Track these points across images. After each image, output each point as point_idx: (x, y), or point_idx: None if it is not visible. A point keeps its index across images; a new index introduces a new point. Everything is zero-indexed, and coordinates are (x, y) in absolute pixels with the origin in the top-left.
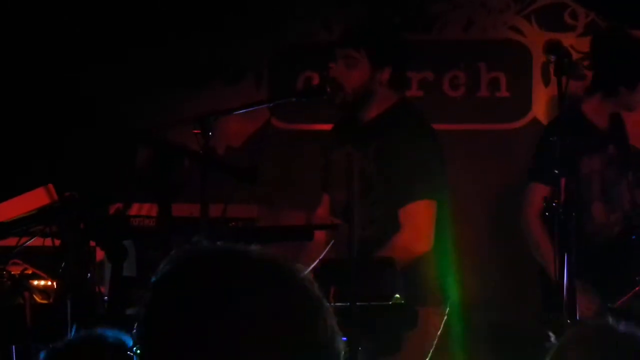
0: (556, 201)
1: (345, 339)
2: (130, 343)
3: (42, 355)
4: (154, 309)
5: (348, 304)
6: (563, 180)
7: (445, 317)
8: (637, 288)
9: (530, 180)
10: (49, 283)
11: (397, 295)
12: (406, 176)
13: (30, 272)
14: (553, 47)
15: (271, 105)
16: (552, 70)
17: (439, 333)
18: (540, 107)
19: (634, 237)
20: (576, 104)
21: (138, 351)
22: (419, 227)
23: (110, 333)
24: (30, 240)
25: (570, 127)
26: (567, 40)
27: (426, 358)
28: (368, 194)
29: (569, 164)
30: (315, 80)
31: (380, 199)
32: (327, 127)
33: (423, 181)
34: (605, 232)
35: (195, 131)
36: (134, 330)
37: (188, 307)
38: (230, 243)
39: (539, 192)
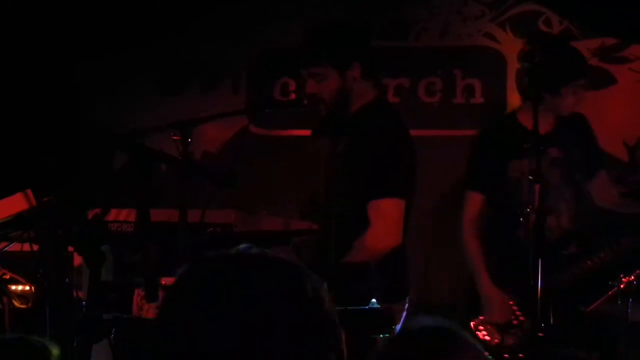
0: (530, 207)
1: None
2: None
3: None
4: (167, 309)
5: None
6: (537, 187)
7: (405, 313)
8: (609, 292)
9: (464, 189)
10: (27, 288)
11: (374, 300)
12: (375, 172)
13: (8, 277)
14: (537, 37)
15: (250, 114)
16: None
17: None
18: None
19: (564, 251)
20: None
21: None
22: (389, 223)
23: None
24: (8, 245)
25: (505, 135)
26: None
27: None
28: (334, 187)
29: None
30: (292, 86)
31: (345, 193)
32: (304, 132)
33: (394, 179)
34: None
35: (175, 137)
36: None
37: (200, 308)
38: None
39: (473, 201)
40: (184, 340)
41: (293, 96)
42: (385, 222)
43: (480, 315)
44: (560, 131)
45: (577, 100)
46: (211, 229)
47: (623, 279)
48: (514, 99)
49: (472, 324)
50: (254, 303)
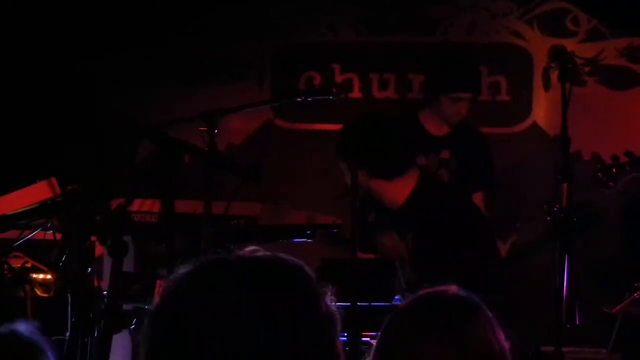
0: (557, 205)
1: (344, 338)
2: (43, 344)
3: None
4: (163, 308)
5: (349, 303)
6: (565, 186)
7: None
8: (635, 294)
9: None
10: (49, 277)
11: (398, 297)
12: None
13: (30, 265)
14: (557, 53)
15: (277, 104)
16: (553, 75)
17: None
18: (540, 112)
19: None
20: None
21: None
22: None
23: (24, 330)
24: (32, 233)
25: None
26: (569, 46)
27: None
28: None
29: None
30: (317, 80)
31: None
32: (329, 126)
33: None
34: None
35: (201, 128)
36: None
37: (199, 310)
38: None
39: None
40: (180, 340)
41: (317, 81)
42: None
43: None
44: (455, 138)
45: (457, 110)
46: (235, 221)
47: None
48: (540, 97)
49: None
50: (253, 304)
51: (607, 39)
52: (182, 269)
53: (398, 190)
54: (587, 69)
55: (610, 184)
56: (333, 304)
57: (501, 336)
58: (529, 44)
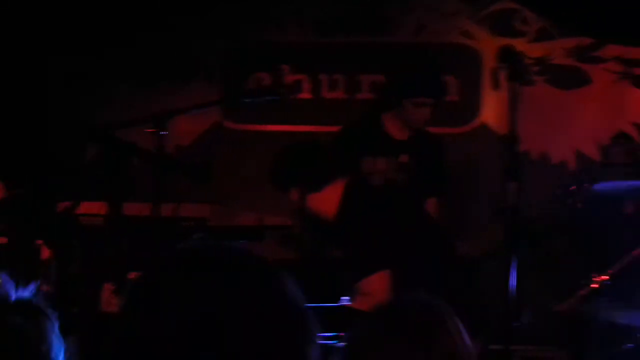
0: (505, 205)
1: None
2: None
3: None
4: (131, 304)
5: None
6: (513, 185)
7: None
8: (582, 292)
9: None
10: None
11: (346, 297)
12: None
13: None
14: (506, 53)
15: (225, 105)
16: (502, 75)
17: None
18: (489, 112)
19: None
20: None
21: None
22: None
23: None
24: None
25: (366, 133)
26: (518, 46)
27: None
28: None
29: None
30: (266, 80)
31: None
32: (279, 127)
33: None
34: None
35: (149, 130)
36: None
37: (171, 298)
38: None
39: None
40: (151, 331)
41: (268, 82)
42: None
43: None
44: (414, 143)
45: (420, 115)
46: (184, 223)
47: (596, 279)
48: (489, 97)
49: None
50: (225, 294)
51: (556, 39)
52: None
53: (329, 200)
54: (536, 68)
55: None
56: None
57: (468, 341)
58: (479, 44)
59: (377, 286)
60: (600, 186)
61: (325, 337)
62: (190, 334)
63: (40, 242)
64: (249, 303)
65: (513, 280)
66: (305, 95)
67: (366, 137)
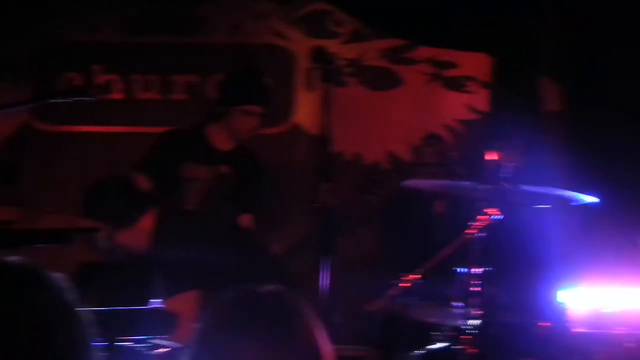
0: (318, 205)
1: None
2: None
3: None
4: None
5: (109, 308)
6: (325, 186)
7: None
8: (393, 291)
9: (136, 171)
10: None
11: (155, 300)
12: None
13: None
14: (319, 54)
15: (34, 104)
16: (316, 76)
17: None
18: (303, 113)
19: None
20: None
21: None
22: None
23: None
24: None
25: (189, 138)
26: (332, 47)
27: None
28: None
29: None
30: (77, 80)
31: None
32: (92, 128)
33: None
34: None
35: None
36: None
37: None
38: None
39: (141, 184)
40: None
41: (78, 82)
42: None
43: None
44: (237, 155)
45: (248, 124)
46: None
47: (406, 278)
48: (302, 98)
49: None
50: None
51: (369, 41)
52: None
53: (140, 234)
54: (349, 70)
55: (375, 191)
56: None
57: (323, 334)
58: (292, 45)
59: (183, 306)
60: (411, 186)
61: (134, 340)
62: None
63: None
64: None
65: (325, 280)
66: (118, 95)
67: (188, 144)
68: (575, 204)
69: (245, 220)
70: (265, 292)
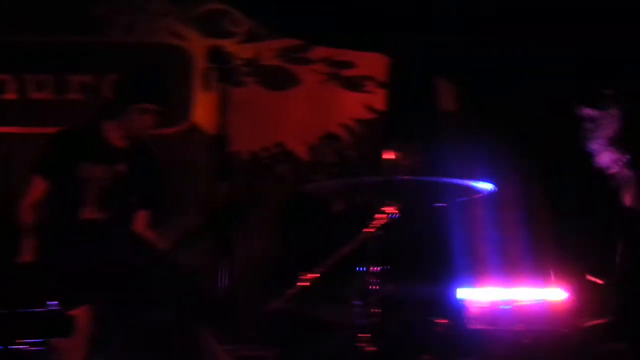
0: (217, 204)
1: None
2: None
3: None
4: None
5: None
6: (222, 185)
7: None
8: (293, 290)
9: (33, 173)
10: None
11: (52, 302)
12: None
13: None
14: (216, 54)
15: None
16: (213, 76)
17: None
18: (200, 113)
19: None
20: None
21: None
22: None
23: None
24: None
25: (85, 137)
26: (229, 46)
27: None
28: None
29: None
30: None
31: None
32: None
33: None
34: None
35: None
36: None
37: None
38: None
39: (38, 185)
40: None
41: None
42: None
43: None
44: (133, 152)
45: (144, 122)
46: None
47: (306, 277)
48: (199, 98)
49: None
50: None
51: (265, 40)
52: None
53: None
54: (246, 69)
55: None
56: None
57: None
58: (189, 44)
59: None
60: (309, 185)
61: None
62: None
63: None
64: None
65: (224, 280)
66: (11, 95)
67: (84, 143)
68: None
69: (143, 217)
70: (169, 323)
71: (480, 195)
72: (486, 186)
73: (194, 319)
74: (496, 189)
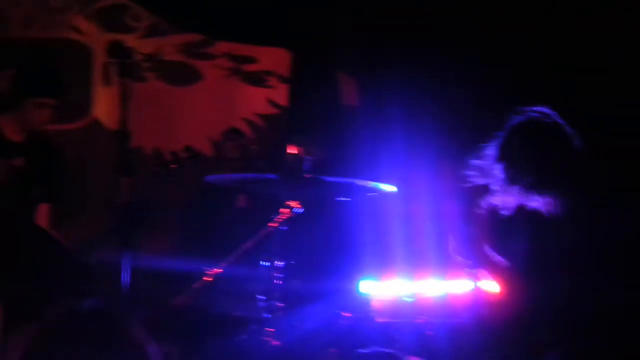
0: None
1: None
2: None
3: None
4: None
5: None
6: (124, 181)
7: None
8: (197, 285)
9: None
10: None
11: None
12: None
13: None
14: (116, 49)
15: None
16: (113, 71)
17: None
18: (101, 108)
19: None
20: None
21: None
22: None
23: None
24: None
25: None
26: (130, 41)
27: None
28: None
29: None
30: None
31: None
32: None
33: None
34: None
35: None
36: None
37: None
38: None
39: None
40: None
41: None
42: None
43: None
44: (31, 146)
45: (40, 116)
46: None
47: (210, 272)
48: (100, 93)
49: None
50: None
51: (167, 35)
52: None
53: None
54: (147, 64)
55: (170, 179)
56: None
57: (152, 348)
58: (89, 39)
59: None
60: (213, 180)
61: None
62: None
63: None
64: None
65: (126, 275)
66: None
67: None
68: (374, 193)
69: (44, 211)
70: (90, 309)
71: (380, 193)
72: (388, 187)
73: (117, 307)
74: (397, 190)
